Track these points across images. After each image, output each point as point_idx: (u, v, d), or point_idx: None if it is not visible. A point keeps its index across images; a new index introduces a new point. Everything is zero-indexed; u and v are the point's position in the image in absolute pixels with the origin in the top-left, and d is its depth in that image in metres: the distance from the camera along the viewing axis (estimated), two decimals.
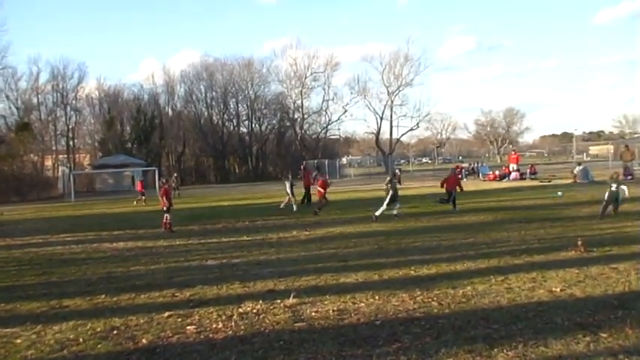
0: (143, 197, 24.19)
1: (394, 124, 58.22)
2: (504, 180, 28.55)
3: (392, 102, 57.05)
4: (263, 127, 57.92)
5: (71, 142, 50.56)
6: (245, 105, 56.90)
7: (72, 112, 50.81)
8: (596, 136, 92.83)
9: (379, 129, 58.79)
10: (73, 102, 50.79)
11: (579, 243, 8.15)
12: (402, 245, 9.60)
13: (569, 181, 24.59)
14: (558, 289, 5.99)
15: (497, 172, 30.41)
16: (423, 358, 4.18)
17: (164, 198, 13.36)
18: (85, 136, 53.96)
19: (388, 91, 56.80)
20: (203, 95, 56.96)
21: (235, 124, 57.88)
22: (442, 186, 15.68)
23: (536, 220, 12.10)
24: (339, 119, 58.40)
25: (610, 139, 68.55)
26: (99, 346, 4.82)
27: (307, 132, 58.44)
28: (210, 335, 4.98)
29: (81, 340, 4.98)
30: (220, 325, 5.24)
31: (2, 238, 13.37)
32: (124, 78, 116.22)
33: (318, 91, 58.95)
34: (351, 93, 57.51)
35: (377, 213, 13.28)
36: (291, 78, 57.03)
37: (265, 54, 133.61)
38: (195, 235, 12.17)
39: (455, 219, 13.01)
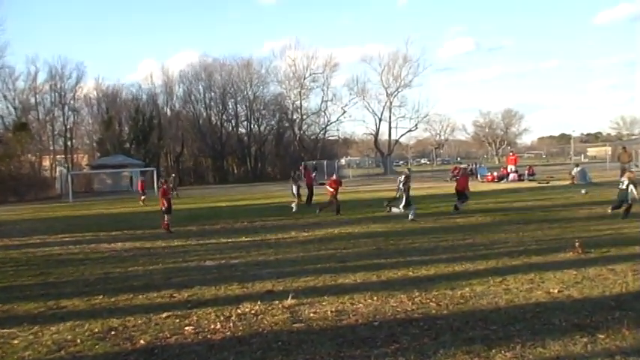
0: (143, 197, 24.32)
1: (393, 125, 58.42)
2: (503, 181, 28.58)
3: (391, 103, 57.21)
4: (262, 128, 57.97)
5: (69, 142, 50.43)
6: (244, 105, 56.95)
7: (70, 112, 50.69)
8: (594, 138, 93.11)
9: (378, 130, 58.98)
10: (71, 102, 50.66)
11: (577, 244, 8.16)
12: (400, 246, 9.60)
13: (567, 182, 24.64)
14: (556, 291, 6.00)
15: (495, 174, 30.43)
16: (421, 359, 4.19)
17: (163, 198, 13.36)
18: (83, 137, 53.85)
19: (387, 92, 56.94)
20: (202, 95, 57.06)
21: (234, 124, 57.90)
22: (457, 190, 15.29)
23: (534, 221, 12.11)
24: (337, 120, 58.55)
25: (608, 141, 68.78)
26: (96, 346, 4.81)
27: (306, 133, 58.45)
28: (209, 336, 4.98)
29: (78, 340, 4.97)
30: (218, 326, 5.24)
31: (0, 239, 13.34)
32: (123, 78, 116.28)
33: (317, 92, 59.17)
34: (350, 94, 57.67)
35: (411, 216, 13.08)
36: (290, 79, 57.13)
37: (265, 54, 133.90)
38: (193, 236, 12.15)
39: (453, 220, 13.02)
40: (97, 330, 5.27)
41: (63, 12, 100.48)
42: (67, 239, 12.65)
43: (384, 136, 59.81)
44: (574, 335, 4.52)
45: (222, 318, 5.49)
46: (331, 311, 5.56)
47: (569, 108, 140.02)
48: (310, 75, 56.79)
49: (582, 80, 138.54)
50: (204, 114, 56.98)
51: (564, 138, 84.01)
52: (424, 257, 8.41)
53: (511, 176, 29.10)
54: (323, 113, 58.20)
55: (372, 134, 60.06)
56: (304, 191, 18.66)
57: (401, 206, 13.53)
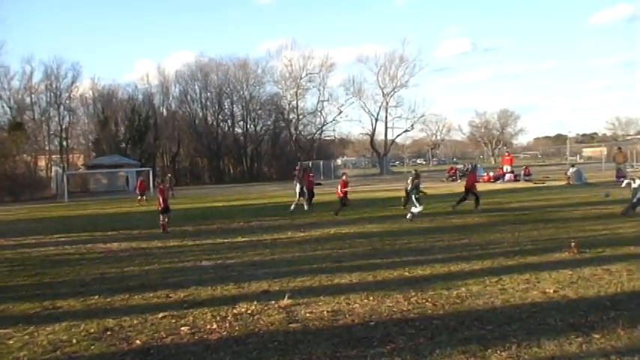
0: (144, 197, 24.41)
1: (389, 125, 58.55)
2: (498, 181, 28.71)
3: (387, 103, 57.34)
4: (258, 128, 57.87)
5: (65, 142, 50.32)
6: (240, 105, 56.87)
7: (65, 112, 50.61)
8: (590, 138, 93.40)
9: (374, 130, 59.11)
10: (67, 102, 50.59)
11: (572, 244, 8.20)
12: (396, 246, 9.61)
13: (563, 182, 24.74)
14: (551, 291, 6.03)
15: (491, 174, 30.56)
16: (417, 359, 4.19)
17: (160, 198, 13.34)
18: (78, 136, 53.70)
19: (383, 93, 57.11)
20: (198, 95, 56.91)
21: (230, 124, 57.81)
22: (466, 187, 15.52)
23: (530, 221, 12.16)
24: (334, 120, 58.69)
25: (603, 141, 69.09)
26: (92, 347, 4.80)
27: (302, 133, 58.46)
28: (205, 336, 4.98)
29: (74, 341, 4.96)
30: (214, 326, 5.23)
31: None
32: (119, 78, 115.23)
33: (313, 92, 59.10)
34: (346, 94, 57.83)
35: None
36: (286, 79, 57.21)
37: (261, 54, 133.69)
38: (189, 236, 12.13)
39: (449, 220, 13.05)
40: (92, 330, 5.25)
41: (59, 12, 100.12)
42: (62, 239, 12.61)
43: (380, 136, 60.04)
44: (569, 335, 4.54)
45: (218, 318, 5.49)
46: (327, 311, 5.57)
47: (565, 108, 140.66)
48: (306, 75, 56.97)
49: (578, 81, 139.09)
50: (201, 114, 56.92)
51: (560, 138, 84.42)
52: (420, 257, 8.43)
53: (507, 176, 29.23)
54: (319, 113, 58.41)
55: (368, 134, 60.22)
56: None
57: (417, 202, 13.44)
